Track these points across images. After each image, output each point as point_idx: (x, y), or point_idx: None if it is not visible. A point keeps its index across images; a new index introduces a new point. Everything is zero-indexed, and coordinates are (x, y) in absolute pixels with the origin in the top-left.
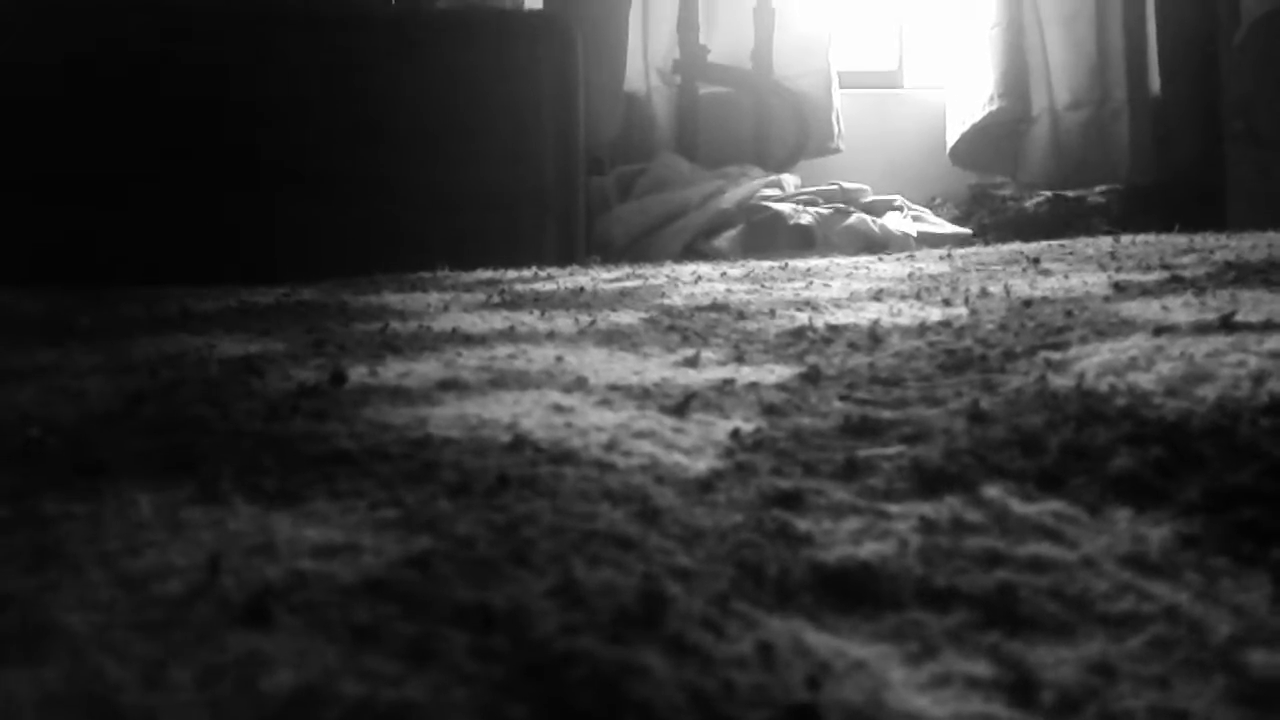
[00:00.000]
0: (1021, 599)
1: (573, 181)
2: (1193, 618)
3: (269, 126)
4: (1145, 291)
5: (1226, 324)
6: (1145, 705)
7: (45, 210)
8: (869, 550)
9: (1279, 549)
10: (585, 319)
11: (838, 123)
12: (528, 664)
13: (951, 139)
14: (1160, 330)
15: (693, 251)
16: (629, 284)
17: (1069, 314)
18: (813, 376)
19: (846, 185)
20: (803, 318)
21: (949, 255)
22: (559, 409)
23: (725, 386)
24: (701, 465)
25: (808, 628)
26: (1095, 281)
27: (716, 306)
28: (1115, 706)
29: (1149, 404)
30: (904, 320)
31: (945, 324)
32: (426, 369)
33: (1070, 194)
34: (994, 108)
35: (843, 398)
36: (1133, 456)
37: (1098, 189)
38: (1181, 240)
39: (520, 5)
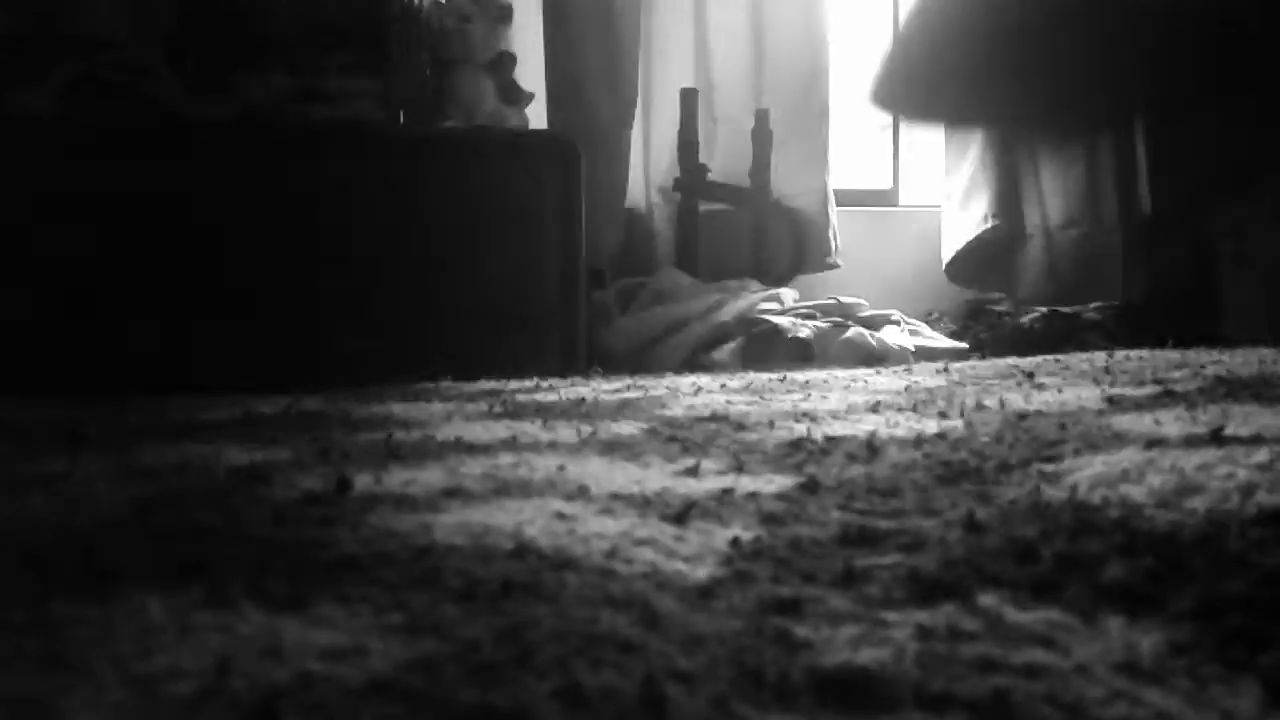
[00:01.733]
0: (1016, 704)
1: (575, 294)
2: None
3: (274, 244)
4: (1138, 406)
5: (1216, 438)
6: None
7: (46, 321)
8: (867, 656)
9: (1268, 656)
10: (587, 429)
11: (835, 239)
12: None
13: (947, 256)
14: (1152, 443)
15: (693, 364)
16: (630, 395)
17: (1063, 427)
18: (811, 487)
19: (844, 299)
20: (801, 429)
21: (945, 369)
22: (561, 517)
23: (725, 496)
24: (701, 573)
25: None
26: (1089, 396)
27: (716, 417)
28: None
29: (1140, 515)
30: (901, 432)
31: (941, 436)
32: (431, 477)
33: (1065, 310)
34: (988, 226)
35: (841, 508)
36: (1125, 566)
37: (1093, 305)
38: (1174, 355)
39: (525, 125)
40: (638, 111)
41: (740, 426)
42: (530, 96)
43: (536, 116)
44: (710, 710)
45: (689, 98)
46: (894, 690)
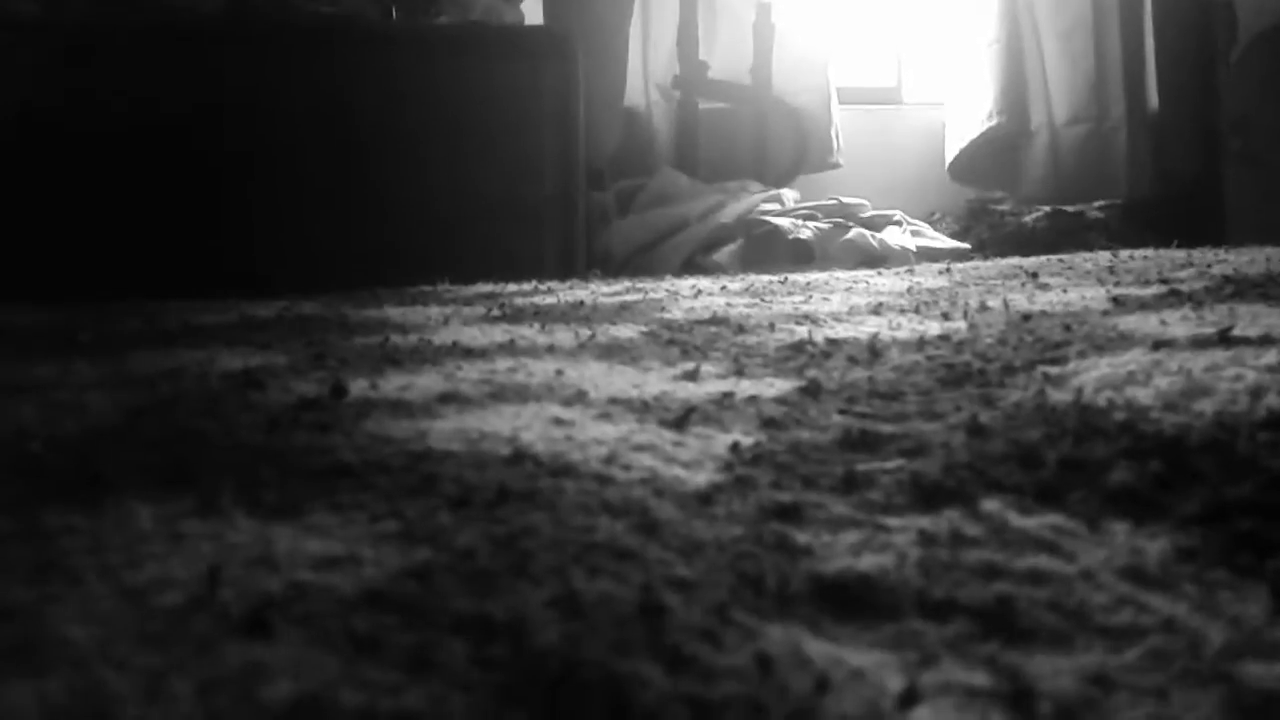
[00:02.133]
0: (1020, 611)
1: (573, 196)
2: (1190, 629)
3: (267, 141)
4: (1143, 306)
5: (1224, 338)
6: (1143, 716)
7: (37, 223)
8: (868, 562)
9: (1276, 561)
10: (585, 333)
11: (837, 138)
12: (527, 673)
13: (950, 154)
14: (1158, 345)
15: (692, 266)
16: (629, 298)
17: (1067, 328)
18: (812, 390)
19: (845, 200)
20: (802, 332)
21: (948, 270)
22: (559, 422)
23: (724, 400)
24: (701, 479)
25: (806, 636)
26: (1093, 296)
27: (716, 320)
28: (1113, 717)
29: (1147, 419)
30: (903, 334)
31: (944, 338)
32: (427, 382)
33: (1069, 209)
34: (992, 124)
35: (842, 411)
36: (1131, 470)
37: (1096, 204)
38: (1179, 255)
39: (520, 20)
40: (636, 7)
41: (740, 329)
42: None
43: (533, 12)
44: (709, 618)
45: None
46: (896, 597)
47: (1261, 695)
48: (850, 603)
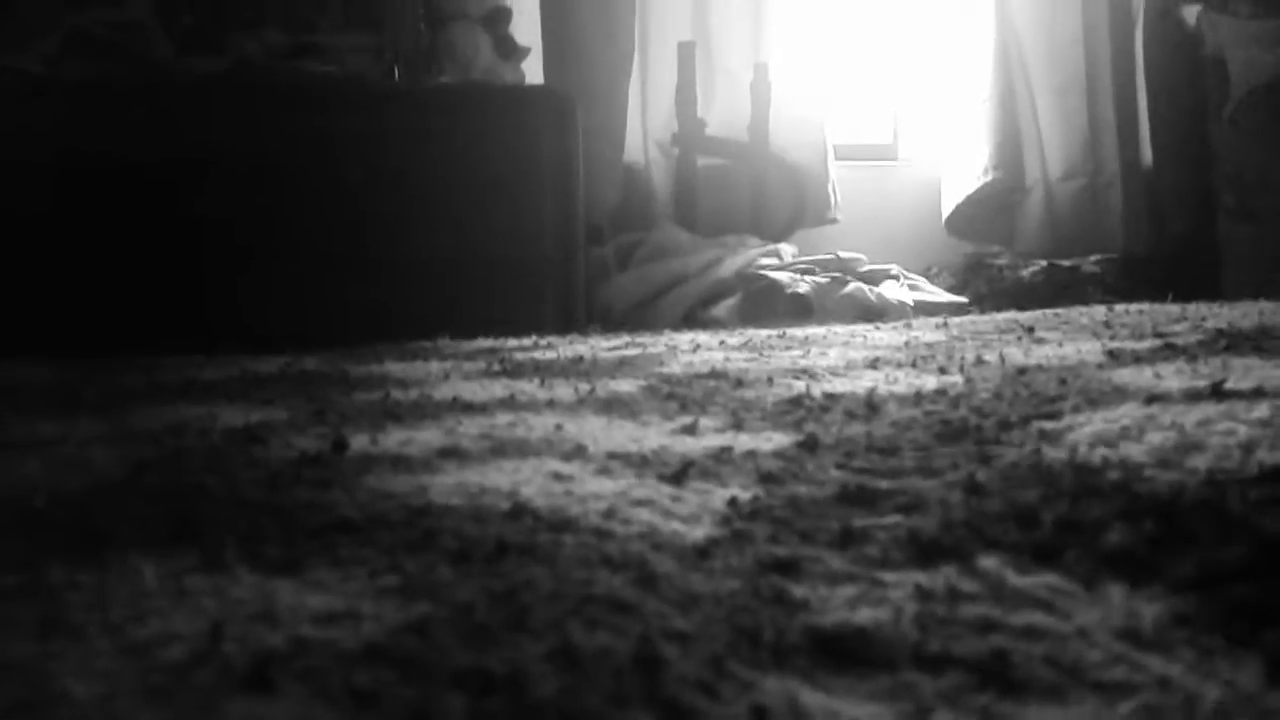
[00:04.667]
0: (1015, 664)
1: (572, 251)
2: (1184, 689)
3: (267, 199)
4: (1138, 359)
5: (1217, 391)
6: None
7: (39, 281)
8: (864, 616)
9: (1271, 632)
10: (584, 387)
11: (834, 193)
12: None
13: (947, 210)
14: (1152, 399)
15: (691, 320)
16: (628, 352)
17: (1063, 382)
18: (810, 445)
19: (843, 255)
20: (800, 386)
21: (945, 324)
22: (558, 477)
23: (723, 454)
24: (699, 533)
25: (802, 688)
26: (1089, 350)
27: (715, 374)
28: None
29: (1141, 477)
30: (900, 389)
31: (941, 392)
32: (427, 437)
33: (1065, 263)
34: (988, 179)
35: (840, 466)
36: (1126, 531)
37: (1092, 258)
38: (1175, 309)
39: (521, 80)
40: (635, 65)
41: (739, 383)
42: (526, 51)
43: (533, 71)
44: (706, 670)
45: (686, 51)
46: (891, 650)
47: None
48: (846, 655)
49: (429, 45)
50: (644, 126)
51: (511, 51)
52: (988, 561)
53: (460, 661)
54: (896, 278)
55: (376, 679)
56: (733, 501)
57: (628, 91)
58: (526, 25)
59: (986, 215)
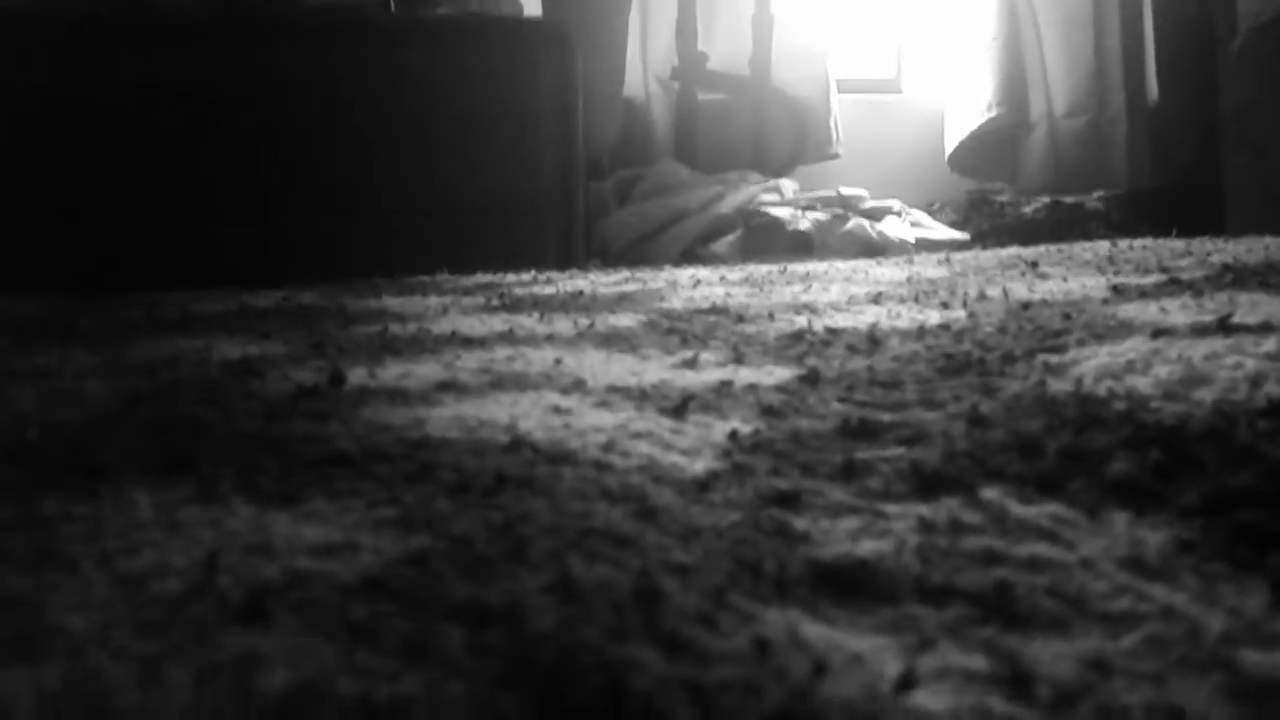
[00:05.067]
0: (1018, 596)
1: (572, 186)
2: (1189, 618)
3: (263, 133)
4: (1143, 294)
5: (1224, 326)
6: (1141, 701)
7: (41, 218)
8: (866, 548)
9: (1277, 555)
10: (584, 322)
11: (836, 128)
12: (523, 658)
13: (950, 145)
14: (1158, 333)
15: (691, 256)
16: (628, 288)
17: (1067, 317)
18: (811, 379)
19: (845, 191)
20: (801, 321)
21: (947, 260)
22: (557, 410)
23: (723, 388)
24: (699, 466)
25: (804, 620)
26: (1093, 285)
27: (715, 310)
28: (1111, 702)
29: (1147, 408)
30: (903, 323)
31: (944, 327)
32: (425, 371)
33: (1068, 200)
34: (992, 115)
35: (841, 400)
36: (1131, 460)
37: (1096, 194)
38: (1179, 245)
39: (519, 11)
40: None
41: (740, 318)
42: None
43: (531, 3)
44: (707, 603)
45: None
46: (894, 582)
47: (1260, 682)
48: (848, 587)
49: None
50: (644, 60)
51: None
52: (990, 492)
53: (458, 594)
54: (898, 214)
55: (373, 611)
56: (733, 434)
57: (628, 24)
58: None
59: (989, 151)
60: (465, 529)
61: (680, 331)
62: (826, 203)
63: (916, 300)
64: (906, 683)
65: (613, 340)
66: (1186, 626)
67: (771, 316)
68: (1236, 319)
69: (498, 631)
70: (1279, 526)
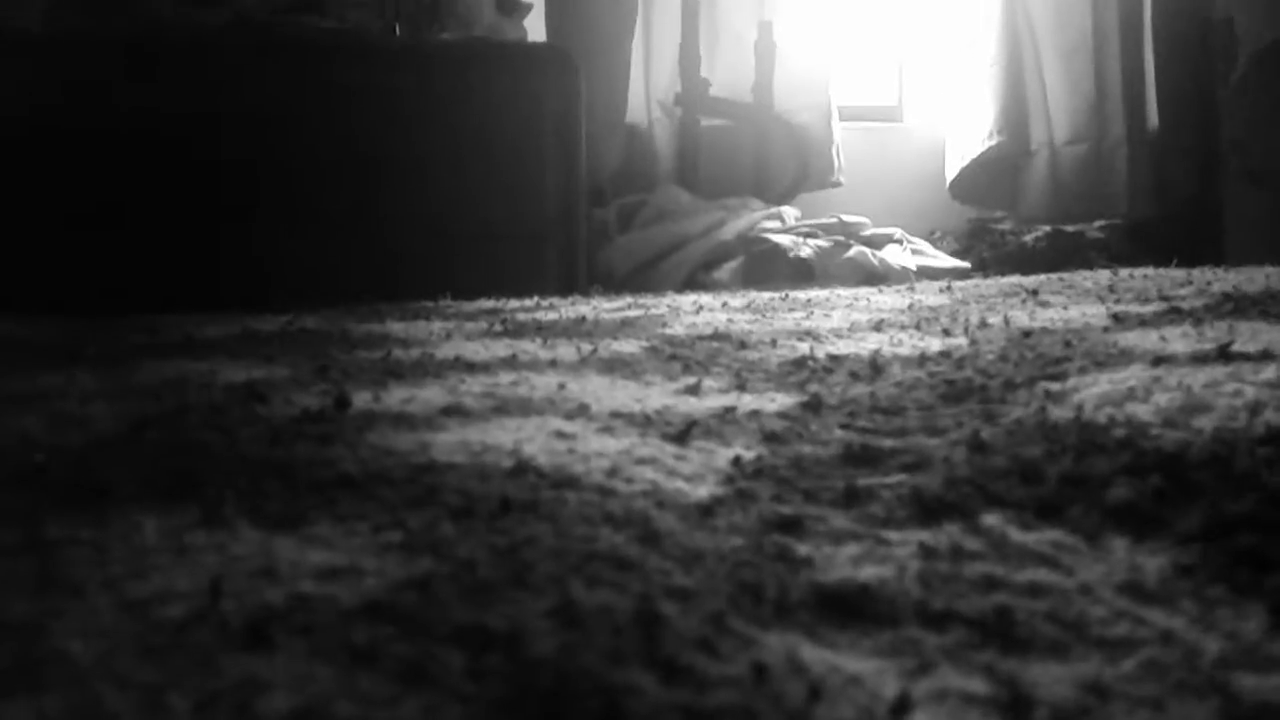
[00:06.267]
0: (1018, 621)
1: (574, 212)
2: (1187, 642)
3: (268, 156)
4: (1143, 322)
5: (1224, 354)
6: None
7: (43, 238)
8: (868, 573)
9: (1275, 577)
10: (587, 347)
11: (838, 156)
12: (522, 684)
13: (951, 173)
14: (1158, 361)
15: (693, 283)
16: (631, 313)
17: (1068, 344)
18: (814, 405)
19: (846, 218)
20: (804, 347)
21: (948, 288)
22: (561, 435)
23: (726, 414)
24: (702, 491)
25: (804, 643)
26: (1094, 313)
27: (718, 336)
28: None
29: (1147, 435)
30: (904, 350)
31: (945, 354)
32: (430, 395)
33: (1069, 228)
34: (993, 143)
35: (844, 426)
36: (1131, 486)
37: (1096, 224)
38: (1179, 274)
39: (523, 37)
40: (638, 23)
41: (742, 345)
42: (528, 8)
43: (535, 28)
44: (706, 627)
45: (691, 8)
46: (895, 606)
47: (1256, 706)
48: (849, 611)
49: (431, 1)
50: (647, 86)
51: (514, 8)
52: (991, 519)
53: (460, 618)
54: (900, 242)
55: (375, 635)
56: (736, 460)
57: (631, 50)
58: None
59: (990, 180)
60: (469, 553)
61: (683, 358)
62: (828, 230)
63: (918, 327)
64: (902, 705)
65: (616, 366)
66: (1184, 651)
67: (774, 343)
68: (1236, 347)
69: (498, 656)
70: (1278, 551)
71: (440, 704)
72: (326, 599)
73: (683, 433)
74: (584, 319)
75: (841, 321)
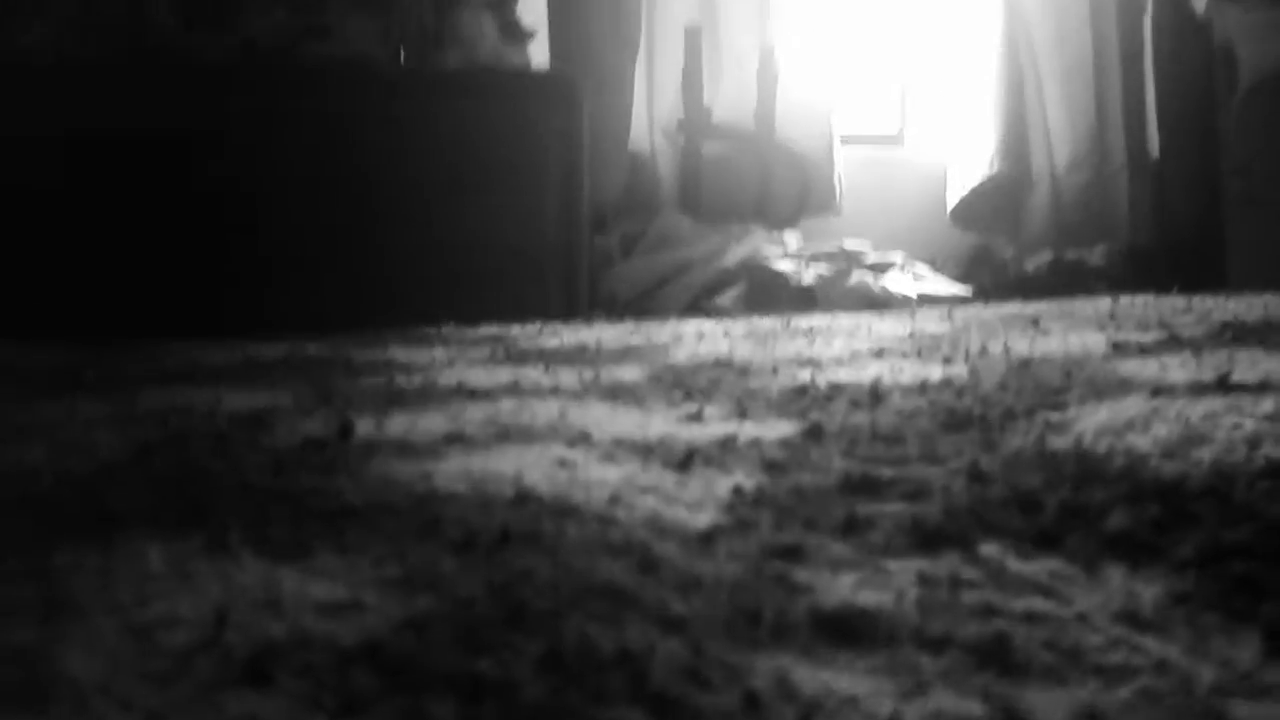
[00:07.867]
0: (1015, 647)
1: (576, 238)
2: (1182, 670)
3: (273, 183)
4: (1143, 351)
5: (1223, 385)
6: None
7: (43, 265)
8: (866, 599)
9: (1270, 605)
10: (589, 374)
11: (839, 183)
12: None
13: (952, 200)
14: (1157, 391)
15: (695, 309)
16: (632, 340)
17: (1068, 374)
18: (814, 433)
19: (848, 245)
20: (805, 375)
21: (949, 315)
22: (563, 464)
23: (727, 443)
24: (703, 519)
25: (798, 665)
26: (1093, 341)
27: (719, 363)
28: None
29: (1146, 465)
30: (905, 379)
31: (946, 383)
32: (432, 423)
33: (1070, 255)
34: (994, 170)
35: (844, 455)
36: (1129, 515)
37: (1097, 251)
38: (1180, 301)
39: (527, 64)
40: (641, 51)
41: (743, 372)
42: (532, 35)
43: (538, 56)
44: (698, 659)
45: (693, 36)
46: (893, 630)
47: None
48: (846, 633)
49: (435, 28)
50: (649, 113)
51: (517, 35)
52: (989, 548)
53: (454, 664)
54: (901, 268)
55: (371, 681)
56: (737, 489)
57: (634, 77)
58: (533, 8)
59: (992, 206)
60: (468, 591)
61: (685, 385)
62: (829, 257)
63: (919, 355)
64: None
65: (618, 393)
66: (1179, 678)
67: (775, 371)
68: (1235, 377)
69: (490, 704)
70: (1274, 578)
71: None
72: (327, 636)
73: (684, 460)
74: (586, 346)
75: (842, 349)
